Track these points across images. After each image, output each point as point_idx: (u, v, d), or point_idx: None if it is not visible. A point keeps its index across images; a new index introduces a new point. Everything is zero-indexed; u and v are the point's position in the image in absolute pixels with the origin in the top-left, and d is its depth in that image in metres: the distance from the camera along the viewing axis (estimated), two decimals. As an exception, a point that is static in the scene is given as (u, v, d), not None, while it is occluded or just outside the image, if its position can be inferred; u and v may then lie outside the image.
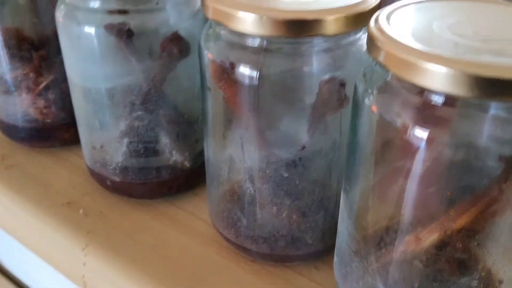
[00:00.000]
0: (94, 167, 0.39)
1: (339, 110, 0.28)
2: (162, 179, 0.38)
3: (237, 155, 0.30)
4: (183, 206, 0.40)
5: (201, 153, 0.40)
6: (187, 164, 0.39)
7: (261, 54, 0.27)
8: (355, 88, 0.25)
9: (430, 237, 0.26)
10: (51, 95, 0.45)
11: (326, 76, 0.27)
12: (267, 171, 0.29)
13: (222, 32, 0.28)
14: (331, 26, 0.25)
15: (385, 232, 0.27)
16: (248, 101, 0.28)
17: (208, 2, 0.27)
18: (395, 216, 0.26)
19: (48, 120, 0.45)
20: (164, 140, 0.37)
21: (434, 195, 0.25)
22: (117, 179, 0.38)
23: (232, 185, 0.32)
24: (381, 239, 0.27)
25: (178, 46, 0.34)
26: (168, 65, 0.35)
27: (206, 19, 0.31)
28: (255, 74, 0.27)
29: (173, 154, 0.38)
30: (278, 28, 0.25)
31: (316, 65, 0.27)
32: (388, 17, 0.23)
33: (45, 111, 0.45)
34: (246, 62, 0.27)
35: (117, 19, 0.33)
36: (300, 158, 0.29)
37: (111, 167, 0.38)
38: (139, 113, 0.35)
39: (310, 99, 0.27)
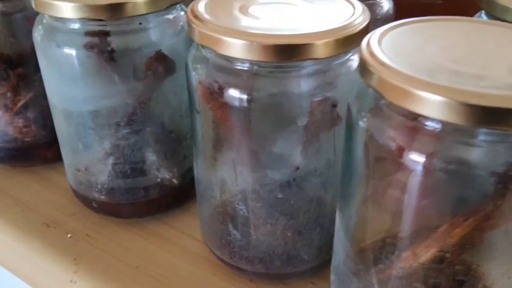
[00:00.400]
0: (79, 188, 0.38)
1: (332, 129, 0.28)
2: (150, 198, 0.38)
3: (229, 177, 0.29)
4: (173, 224, 0.39)
5: (190, 169, 0.39)
6: (175, 181, 0.38)
7: (251, 77, 0.27)
8: (348, 109, 0.25)
9: (426, 252, 0.26)
10: (30, 114, 0.43)
11: (318, 97, 0.27)
12: (261, 193, 0.29)
13: (209, 55, 0.28)
14: (321, 49, 0.25)
15: (383, 250, 0.27)
16: (239, 124, 0.28)
17: (194, 26, 0.27)
18: (391, 234, 0.26)
19: (28, 139, 0.44)
20: (152, 159, 0.36)
21: (428, 214, 0.25)
22: (103, 200, 0.37)
23: (225, 206, 0.31)
24: (378, 257, 0.27)
25: (163, 65, 0.34)
26: (153, 84, 0.34)
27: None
28: (245, 97, 0.27)
29: (161, 173, 0.37)
30: (267, 53, 0.24)
31: (307, 87, 0.27)
32: (380, 40, 0.23)
33: (24, 130, 0.44)
34: (236, 85, 0.27)
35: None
36: (294, 179, 0.28)
37: (96, 189, 0.37)
38: (125, 133, 0.34)
39: (302, 120, 0.27)
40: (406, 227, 0.25)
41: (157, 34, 0.33)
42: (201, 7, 0.28)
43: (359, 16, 0.26)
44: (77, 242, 0.38)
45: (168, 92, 0.35)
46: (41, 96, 0.43)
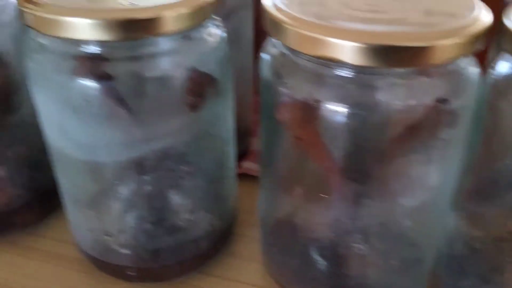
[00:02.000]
0: (107, 257, 0.30)
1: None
2: (201, 250, 0.31)
3: (347, 213, 0.24)
4: (224, 275, 0.33)
5: (232, 208, 0.33)
6: (222, 224, 0.32)
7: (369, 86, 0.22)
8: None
9: None
10: (1, 171, 0.33)
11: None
12: (388, 225, 0.24)
13: (307, 62, 0.22)
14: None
15: None
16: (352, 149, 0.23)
17: (286, 26, 0.21)
18: None
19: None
20: (204, 204, 0.29)
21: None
22: (145, 266, 0.29)
23: (334, 248, 0.26)
24: None
25: (212, 86, 0.27)
26: (202, 111, 0.27)
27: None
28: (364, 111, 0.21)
29: (211, 217, 0.30)
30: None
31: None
32: None
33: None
34: (349, 99, 0.21)
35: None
36: (424, 202, 0.24)
37: (136, 253, 0.29)
38: (177, 179, 0.27)
39: (448, 132, 0.22)
40: None
41: (192, 54, 0.26)
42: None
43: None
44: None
45: (217, 119, 0.28)
46: (17, 144, 0.33)
